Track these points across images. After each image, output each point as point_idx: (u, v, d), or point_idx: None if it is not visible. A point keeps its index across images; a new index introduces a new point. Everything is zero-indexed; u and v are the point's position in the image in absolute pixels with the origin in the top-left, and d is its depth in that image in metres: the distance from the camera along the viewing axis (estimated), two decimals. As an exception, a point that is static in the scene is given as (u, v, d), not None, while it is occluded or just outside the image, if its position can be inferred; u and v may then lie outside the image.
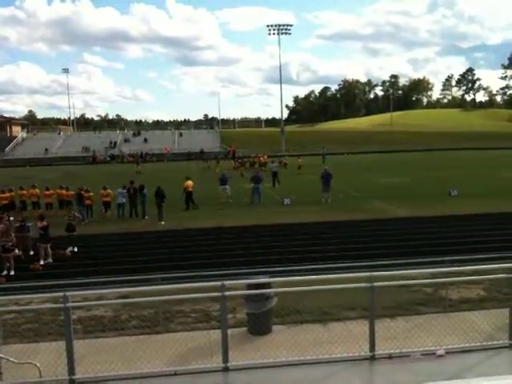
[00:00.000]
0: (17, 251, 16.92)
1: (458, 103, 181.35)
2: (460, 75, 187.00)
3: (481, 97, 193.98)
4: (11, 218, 18.84)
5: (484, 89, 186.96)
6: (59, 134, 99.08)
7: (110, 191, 25.20)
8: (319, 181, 28.43)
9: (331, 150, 59.82)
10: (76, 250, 18.04)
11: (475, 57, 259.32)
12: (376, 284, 7.64)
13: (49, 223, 17.26)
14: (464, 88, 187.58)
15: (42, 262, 16.31)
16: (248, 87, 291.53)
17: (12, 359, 7.60)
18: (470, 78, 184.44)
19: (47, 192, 26.20)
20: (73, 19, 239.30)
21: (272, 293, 9.38)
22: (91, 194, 24.77)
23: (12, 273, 15.31)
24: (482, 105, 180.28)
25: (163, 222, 22.74)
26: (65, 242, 18.13)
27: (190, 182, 26.83)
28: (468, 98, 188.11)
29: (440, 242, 16.95)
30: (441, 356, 7.57)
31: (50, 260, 16.60)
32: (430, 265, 10.62)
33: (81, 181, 33.71)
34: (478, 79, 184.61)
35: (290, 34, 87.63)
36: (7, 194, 26.19)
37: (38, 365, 7.50)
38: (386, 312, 10.17)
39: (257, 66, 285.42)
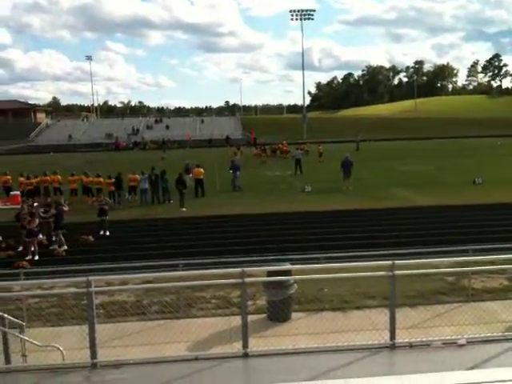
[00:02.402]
0: (41, 236, 17.20)
1: (484, 90, 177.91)
2: (486, 61, 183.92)
3: (508, 83, 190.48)
4: (35, 204, 19.13)
5: (511, 75, 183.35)
6: (83, 120, 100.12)
7: (137, 176, 25.51)
8: (340, 169, 28.25)
9: (353, 137, 59.18)
10: (108, 233, 18.37)
11: (501, 42, 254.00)
12: (397, 272, 7.58)
13: (61, 211, 17.31)
14: (490, 74, 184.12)
15: (54, 247, 16.46)
16: (270, 73, 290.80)
17: (36, 342, 7.76)
18: (497, 63, 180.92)
19: (72, 178, 26.50)
20: (95, 6, 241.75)
21: (292, 280, 9.39)
22: (114, 180, 25.05)
23: (36, 257, 15.56)
24: (508, 91, 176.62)
25: (184, 209, 22.89)
26: (97, 227, 18.48)
27: (199, 170, 26.90)
28: (494, 84, 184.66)
29: (464, 230, 16.74)
30: (462, 345, 7.49)
31: (65, 247, 16.51)
32: (453, 254, 10.49)
33: (104, 167, 34.06)
34: (505, 65, 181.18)
35: (312, 19, 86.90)
36: (32, 180, 26.59)
37: (61, 348, 7.64)
38: (407, 301, 10.12)
39: (278, 52, 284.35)
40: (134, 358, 7.50)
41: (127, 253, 15.22)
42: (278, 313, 9.30)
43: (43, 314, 9.99)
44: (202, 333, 8.99)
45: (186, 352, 8.15)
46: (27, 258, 15.33)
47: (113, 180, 25.04)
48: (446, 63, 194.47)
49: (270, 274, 9.08)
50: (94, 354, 7.09)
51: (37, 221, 16.37)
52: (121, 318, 10.09)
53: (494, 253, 9.71)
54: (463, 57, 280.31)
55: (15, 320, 8.09)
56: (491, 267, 9.98)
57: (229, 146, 65.01)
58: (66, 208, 17.86)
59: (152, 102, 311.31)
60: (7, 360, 7.41)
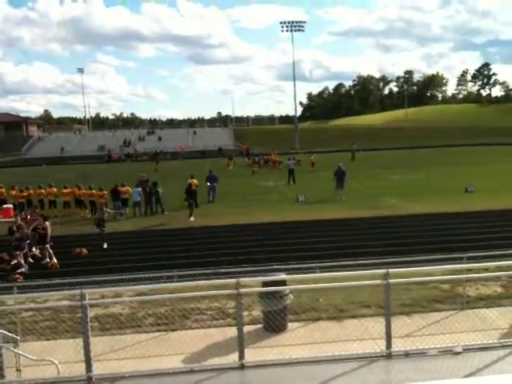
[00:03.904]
0: (34, 249, 17.09)
1: (474, 98, 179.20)
2: (476, 70, 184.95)
3: (497, 92, 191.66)
4: (28, 217, 19.00)
5: (500, 84, 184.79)
6: (75, 132, 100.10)
7: (128, 188, 25.39)
8: (333, 178, 28.33)
9: (345, 147, 59.52)
10: (106, 246, 18.14)
11: (489, 52, 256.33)
12: (392, 281, 7.60)
13: (44, 226, 16.89)
14: (480, 83, 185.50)
15: (47, 261, 16.28)
16: (261, 84, 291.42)
17: (30, 356, 7.69)
18: (486, 72, 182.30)
19: (65, 191, 26.38)
20: (85, 19, 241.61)
21: (287, 290, 9.37)
22: (105, 192, 24.98)
23: (24, 269, 15.39)
24: (498, 100, 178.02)
25: (192, 219, 22.84)
26: (97, 238, 18.37)
27: (193, 181, 26.90)
28: (484, 93, 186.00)
29: (457, 238, 16.80)
30: (458, 353, 7.50)
31: (55, 260, 16.34)
32: (447, 261, 10.52)
33: (97, 180, 33.98)
34: (494, 74, 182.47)
35: (303, 30, 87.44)
36: (24, 193, 26.46)
37: (55, 362, 7.57)
38: (403, 309, 10.12)
39: (269, 64, 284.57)
40: (129, 370, 7.45)
41: (121, 265, 15.14)
42: (274, 323, 9.27)
43: (37, 328, 9.91)
44: (198, 344, 8.93)
45: (182, 364, 8.10)
46: (18, 271, 15.21)
47: (105, 192, 24.96)
48: (435, 73, 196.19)
49: (266, 284, 9.07)
50: (89, 368, 7.04)
51: (26, 232, 16.23)
52: (115, 330, 10.02)
53: (488, 260, 9.75)
54: (452, 66, 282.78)
55: (9, 334, 8.03)
56: (485, 274, 10.02)
57: (222, 156, 65.19)
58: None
59: (144, 114, 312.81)
60: (1, 375, 7.34)
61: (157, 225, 22.33)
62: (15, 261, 16.08)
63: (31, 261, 16.27)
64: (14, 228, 16.28)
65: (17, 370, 7.67)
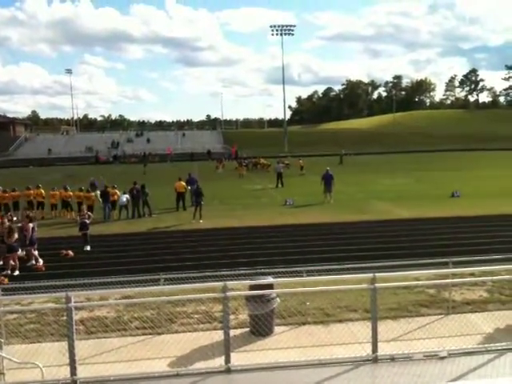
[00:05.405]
0: (20, 251, 16.91)
1: (462, 104, 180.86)
2: (463, 76, 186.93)
3: (484, 97, 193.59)
4: (14, 218, 18.83)
5: (488, 90, 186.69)
6: (63, 134, 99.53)
7: (117, 191, 25.28)
8: (320, 182, 28.45)
9: (334, 151, 59.80)
10: (89, 248, 18.05)
11: (476, 58, 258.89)
12: (378, 285, 7.63)
13: (26, 228, 16.62)
14: (467, 89, 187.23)
15: (32, 263, 16.17)
16: (249, 88, 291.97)
17: (14, 359, 7.61)
18: (474, 78, 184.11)
19: (52, 193, 26.16)
20: (73, 20, 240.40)
21: (274, 294, 9.37)
22: (92, 194, 24.83)
23: (17, 272, 15.28)
24: (485, 105, 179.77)
25: (201, 221, 22.73)
26: (80, 242, 18.20)
27: (181, 184, 26.85)
28: (471, 98, 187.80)
29: (443, 243, 16.91)
30: (443, 358, 7.55)
31: (41, 261, 16.15)
32: (433, 266, 10.59)
33: (85, 181, 33.78)
34: (482, 80, 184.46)
35: (292, 34, 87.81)
36: (7, 194, 26.20)
37: (40, 365, 7.50)
38: (389, 313, 10.16)
39: (258, 67, 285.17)
40: (114, 374, 7.41)
41: (108, 267, 15.05)
42: (261, 327, 9.26)
43: (22, 331, 9.82)
44: (184, 348, 8.90)
45: (168, 368, 8.06)
46: (4, 273, 15.05)
47: (92, 194, 24.82)
48: (424, 78, 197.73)
49: (252, 287, 9.06)
50: (73, 371, 6.99)
51: (16, 235, 16.09)
52: (101, 333, 9.94)
53: (474, 265, 9.81)
54: (440, 72, 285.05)
55: (-7, 337, 7.95)
56: (471, 279, 10.08)
57: (211, 159, 65.14)
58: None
59: (133, 116, 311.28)
60: (-16, 378, 7.27)
61: (145, 228, 22.21)
62: (1, 262, 15.92)
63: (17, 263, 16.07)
64: (7, 231, 16.06)
65: (0, 373, 7.59)
